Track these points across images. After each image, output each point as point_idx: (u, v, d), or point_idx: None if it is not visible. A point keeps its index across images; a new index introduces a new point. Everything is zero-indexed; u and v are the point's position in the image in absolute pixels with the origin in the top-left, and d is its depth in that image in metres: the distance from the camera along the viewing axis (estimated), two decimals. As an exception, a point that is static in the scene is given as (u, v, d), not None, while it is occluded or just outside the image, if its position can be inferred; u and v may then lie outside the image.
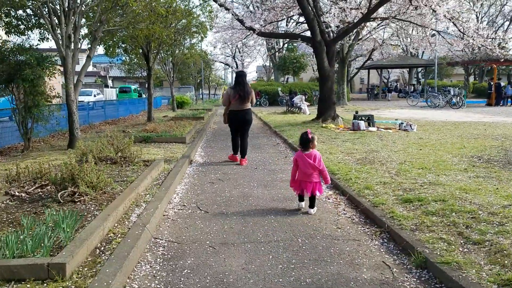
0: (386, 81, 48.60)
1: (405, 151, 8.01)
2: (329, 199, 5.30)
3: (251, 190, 5.79)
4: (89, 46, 10.23)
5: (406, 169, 6.24)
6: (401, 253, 3.60)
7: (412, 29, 36.27)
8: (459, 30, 12.79)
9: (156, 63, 21.02)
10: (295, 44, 37.56)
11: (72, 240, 3.30)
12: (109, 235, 3.75)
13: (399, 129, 12.10)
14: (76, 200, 4.36)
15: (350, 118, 15.08)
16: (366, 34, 26.07)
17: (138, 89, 41.60)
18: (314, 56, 41.47)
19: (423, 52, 49.12)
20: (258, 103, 30.24)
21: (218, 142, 11.15)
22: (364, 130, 11.94)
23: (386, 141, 9.72)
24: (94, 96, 31.88)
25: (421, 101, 28.55)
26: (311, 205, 4.70)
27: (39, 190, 4.81)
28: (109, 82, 53.49)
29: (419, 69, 47.37)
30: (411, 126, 11.80)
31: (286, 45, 32.55)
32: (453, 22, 12.47)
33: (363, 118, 12.45)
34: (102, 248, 3.48)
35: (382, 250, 3.68)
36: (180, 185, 6.13)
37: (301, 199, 4.87)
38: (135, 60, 20.05)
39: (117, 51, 17.38)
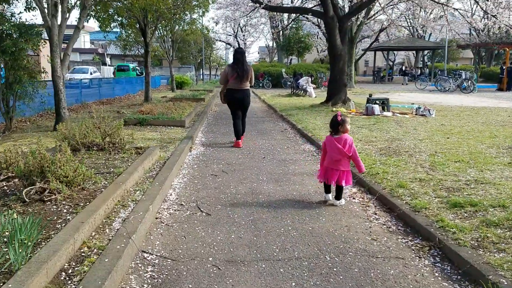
0: (392, 64, 47.30)
1: (431, 140, 7.12)
2: (354, 198, 4.43)
3: (260, 186, 4.92)
4: (79, 16, 9.21)
5: (440, 162, 5.35)
6: (463, 280, 2.75)
7: (420, 10, 34.90)
8: (481, 8, 11.73)
9: (154, 39, 19.95)
10: (300, 23, 36.25)
11: (28, 261, 2.44)
12: (82, 250, 2.89)
13: (416, 114, 11.19)
14: (46, 199, 3.48)
15: (360, 101, 14.16)
16: (377, 13, 24.82)
17: (137, 67, 40.42)
18: (318, 36, 40.51)
19: (430, 34, 47.92)
20: (260, 84, 29.20)
21: (221, 127, 10.24)
22: (379, 115, 11.02)
23: (406, 127, 8.81)
24: (91, 74, 30.78)
25: (430, 85, 27.49)
26: (337, 196, 4.23)
27: (4, 184, 3.94)
28: (107, 60, 52.20)
29: (425, 52, 46.02)
30: (429, 111, 10.88)
31: (291, 24, 31.28)
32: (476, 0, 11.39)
33: (377, 102, 11.51)
34: (70, 271, 2.62)
35: (436, 274, 2.83)
36: (178, 177, 5.26)
37: (327, 189, 4.34)
38: (132, 35, 18.90)
39: (112, 25, 16.36)
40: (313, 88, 20.82)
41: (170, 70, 24.69)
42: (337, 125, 4.12)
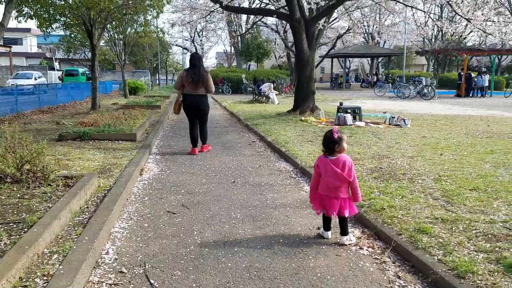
0: (348, 71, 47.66)
1: (424, 157, 6.20)
2: (361, 248, 3.32)
3: (234, 229, 3.71)
4: (4, 12, 7.61)
5: (452, 190, 4.37)
6: None
7: (375, 16, 35.17)
8: (455, 11, 11.19)
9: (102, 41, 18.25)
10: (259, 29, 35.40)
11: None
12: None
13: (390, 124, 10.40)
14: None
15: (327, 109, 13.29)
16: (337, 18, 24.31)
17: (87, 72, 37.89)
18: (276, 43, 39.87)
19: (384, 42, 48.78)
20: (220, 90, 27.96)
21: (179, 139, 8.91)
22: (352, 125, 10.13)
23: (386, 140, 7.91)
24: (35, 79, 28.26)
25: (389, 91, 27.41)
26: (344, 231, 3.41)
27: None
28: (56, 64, 49.00)
29: (380, 59, 46.66)
30: (404, 121, 10.12)
31: (251, 29, 30.31)
32: (449, 3, 10.82)
33: (349, 110, 10.63)
34: None
35: None
36: (120, 220, 3.92)
37: (327, 225, 3.51)
38: (78, 37, 17.08)
39: (55, 25, 14.57)
40: (276, 94, 19.86)
41: (122, 75, 22.89)
42: (333, 144, 3.31)
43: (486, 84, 25.86)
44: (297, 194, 4.82)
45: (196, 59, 7.04)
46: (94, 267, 2.94)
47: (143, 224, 3.83)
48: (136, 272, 2.90)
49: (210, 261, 3.08)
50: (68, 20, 14.43)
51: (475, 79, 25.50)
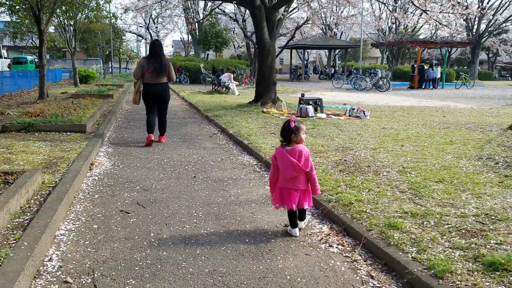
0: (306, 62, 48.01)
1: (386, 149, 6.16)
2: (331, 246, 3.14)
3: (195, 229, 3.42)
4: None
5: (418, 182, 4.30)
6: None
7: (337, 7, 35.60)
8: (413, 4, 11.35)
9: (51, 27, 17.11)
10: (217, 17, 34.73)
11: None
12: None
13: (350, 116, 10.42)
14: None
15: (289, 101, 13.15)
16: (296, 7, 24.23)
17: (36, 60, 35.65)
18: (234, 32, 39.34)
19: (341, 34, 49.57)
20: (178, 80, 27.21)
21: (134, 131, 8.43)
22: (313, 117, 10.04)
23: (348, 132, 7.86)
24: (-23, 66, 26.29)
25: (346, 83, 27.82)
26: (301, 218, 3.43)
27: None
28: (3, 52, 45.93)
29: (337, 51, 47.37)
30: (364, 113, 10.16)
31: (209, 15, 29.57)
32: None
33: (311, 102, 10.53)
34: None
35: None
36: (66, 222, 3.52)
37: (293, 223, 3.33)
38: (26, 22, 15.85)
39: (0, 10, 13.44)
40: (236, 85, 19.54)
41: (73, 63, 21.63)
42: (290, 134, 3.22)
43: (438, 76, 26.87)
44: (262, 189, 4.59)
45: (157, 46, 6.81)
46: (35, 277, 2.57)
47: (92, 225, 3.45)
48: (84, 282, 2.55)
49: (169, 266, 2.78)
50: (13, 3, 13.37)
51: (428, 71, 26.39)
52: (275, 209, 3.89)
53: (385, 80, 23.63)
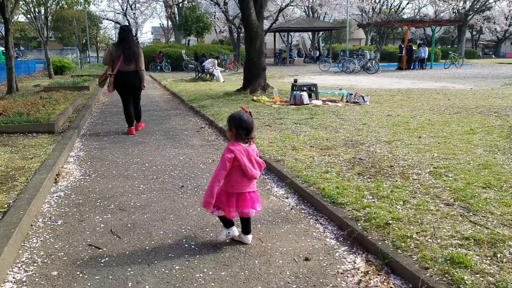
0: (290, 46, 46.93)
1: (402, 142, 5.38)
2: (375, 291, 2.33)
3: (188, 272, 2.56)
4: None
5: (462, 189, 3.51)
6: None
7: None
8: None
9: (19, 14, 15.77)
10: (196, 1, 33.35)
11: None
12: None
13: (347, 101, 9.62)
14: None
15: (278, 87, 12.26)
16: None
17: (15, 51, 33.76)
18: (216, 16, 37.97)
19: (325, 15, 48.59)
20: (158, 68, 26.01)
21: (111, 127, 7.47)
22: (308, 104, 9.20)
23: (351, 121, 7.06)
24: None
25: (333, 66, 26.99)
26: (247, 229, 2.93)
27: None
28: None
29: (321, 33, 46.39)
30: (363, 98, 9.36)
31: (186, 2, 28.26)
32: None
33: (305, 88, 9.67)
34: None
35: None
36: (17, 268, 2.61)
37: (228, 221, 2.92)
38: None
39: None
40: (220, 71, 18.52)
41: (45, 53, 20.22)
42: (251, 128, 2.76)
43: (426, 55, 26.26)
44: (267, 201, 3.76)
45: (126, 32, 6.57)
46: None
47: (51, 271, 2.56)
48: None
49: None
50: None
51: (418, 51, 25.73)
52: (287, 232, 3.08)
53: (373, 61, 22.88)
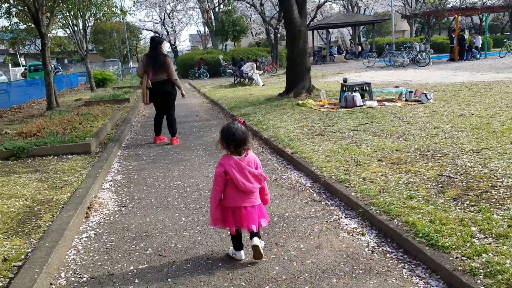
0: (328, 43, 45.62)
1: (494, 151, 4.40)
2: None
3: None
4: None
5: None
6: None
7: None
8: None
9: (56, 29, 15.84)
10: (233, 5, 32.95)
11: None
12: None
13: (407, 100, 8.60)
14: None
15: (323, 87, 11.36)
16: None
17: (54, 65, 34.90)
18: (251, 19, 37.39)
19: (364, 9, 46.88)
20: (196, 75, 25.74)
21: (150, 143, 6.94)
22: (361, 106, 8.28)
23: (419, 124, 6.11)
24: (-6, 78, 25.60)
25: (379, 61, 25.60)
26: (256, 234, 2.70)
27: None
28: (21, 60, 45.67)
29: (361, 27, 44.73)
30: (426, 96, 8.31)
31: (224, 3, 27.85)
32: None
33: (357, 88, 8.75)
34: None
35: None
36: None
37: (239, 244, 2.78)
38: (25, 26, 14.60)
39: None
40: (259, 74, 17.85)
41: (86, 66, 20.40)
42: (245, 138, 2.67)
43: (480, 45, 24.33)
44: (338, 241, 2.97)
45: (154, 42, 6.58)
46: None
47: None
48: None
49: None
50: (10, 6, 12.10)
51: (474, 41, 23.87)
52: (377, 285, 2.28)
53: (423, 54, 21.38)
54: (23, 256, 2.84)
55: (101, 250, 3.08)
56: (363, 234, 3.04)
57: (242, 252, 2.80)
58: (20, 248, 2.97)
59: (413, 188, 3.54)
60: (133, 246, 3.10)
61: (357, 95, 8.37)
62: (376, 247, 2.84)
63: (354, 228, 3.16)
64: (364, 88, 8.88)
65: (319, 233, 3.11)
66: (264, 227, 3.00)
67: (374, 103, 8.41)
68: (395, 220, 2.99)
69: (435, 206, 3.14)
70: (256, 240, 2.68)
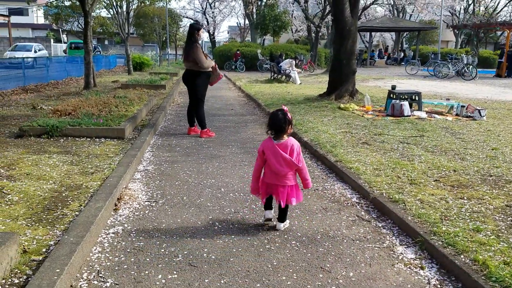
0: (370, 46, 44.53)
1: None
2: None
3: None
4: None
5: None
6: None
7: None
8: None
9: (100, 9, 15.91)
10: (275, -1, 32.49)
11: None
12: None
13: (458, 115, 8.02)
14: None
15: (364, 92, 10.84)
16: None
17: (94, 45, 35.43)
18: (293, 15, 36.81)
19: (410, 16, 45.47)
20: (233, 67, 25.53)
21: (184, 133, 6.70)
22: (409, 116, 7.77)
23: (475, 143, 5.59)
24: (35, 51, 26.13)
25: (422, 70, 24.64)
26: (282, 218, 3.17)
27: None
28: (63, 36, 46.77)
29: (405, 34, 43.37)
30: (480, 113, 7.71)
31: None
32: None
33: (405, 96, 8.22)
34: None
35: None
36: None
37: (268, 205, 3.24)
38: (69, 2, 14.66)
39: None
40: (297, 72, 17.42)
41: (126, 49, 20.47)
42: (284, 125, 3.02)
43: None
44: (392, 271, 2.59)
45: (190, 28, 6.44)
46: None
47: None
48: None
49: None
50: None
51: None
52: None
53: (470, 67, 20.36)
54: (44, 250, 2.60)
55: (128, 250, 2.81)
56: (422, 268, 2.65)
57: (270, 212, 3.23)
58: (43, 240, 2.74)
59: (479, 219, 3.11)
60: (163, 250, 2.82)
61: (405, 104, 7.85)
62: (439, 286, 2.45)
63: (411, 259, 2.77)
64: (414, 97, 8.34)
65: (370, 260, 2.74)
66: (307, 243, 2.66)
67: (423, 114, 7.88)
68: (462, 256, 2.58)
69: (508, 244, 2.71)
70: (279, 225, 3.15)
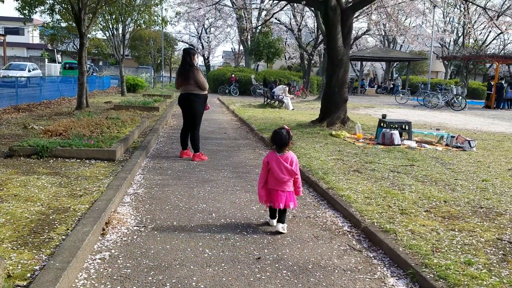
0: (361, 75, 45.28)
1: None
2: None
3: None
4: None
5: None
6: None
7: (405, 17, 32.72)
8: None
9: (96, 30, 16.06)
10: (271, 27, 33.12)
11: None
12: None
13: (448, 145, 8.12)
14: None
15: (355, 119, 10.96)
16: (356, 17, 21.91)
17: (89, 65, 35.56)
18: (286, 43, 37.48)
19: (400, 46, 46.56)
20: (227, 91, 25.74)
21: (176, 156, 6.67)
22: (400, 145, 7.85)
23: (464, 174, 5.63)
24: (29, 71, 26.10)
25: (412, 99, 25.05)
26: (281, 219, 3.69)
27: None
28: (58, 56, 46.95)
29: (395, 64, 44.26)
30: (469, 143, 7.81)
31: (262, 26, 27.99)
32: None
33: (396, 126, 8.32)
34: None
35: None
36: None
37: (273, 215, 3.79)
38: (65, 24, 14.78)
39: (39, 9, 12.36)
40: (290, 98, 17.60)
41: (120, 70, 20.61)
42: (287, 142, 3.64)
43: (514, 96, 23.49)
44: (385, 305, 2.55)
45: (185, 53, 6.45)
46: None
47: None
48: None
49: None
50: (56, 3, 12.27)
51: (506, 90, 23.12)
52: None
53: (460, 97, 20.78)
54: (29, 275, 2.53)
55: (115, 277, 2.74)
56: (413, 302, 2.62)
57: (275, 220, 3.72)
58: (28, 264, 2.67)
59: (471, 252, 3.10)
60: (150, 278, 2.75)
61: (396, 133, 7.94)
62: (431, 322, 2.41)
63: (402, 291, 2.74)
64: (404, 126, 8.45)
65: (362, 292, 2.70)
66: (298, 273, 2.61)
67: (413, 143, 7.96)
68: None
69: (499, 279, 2.70)
70: (278, 226, 3.63)
